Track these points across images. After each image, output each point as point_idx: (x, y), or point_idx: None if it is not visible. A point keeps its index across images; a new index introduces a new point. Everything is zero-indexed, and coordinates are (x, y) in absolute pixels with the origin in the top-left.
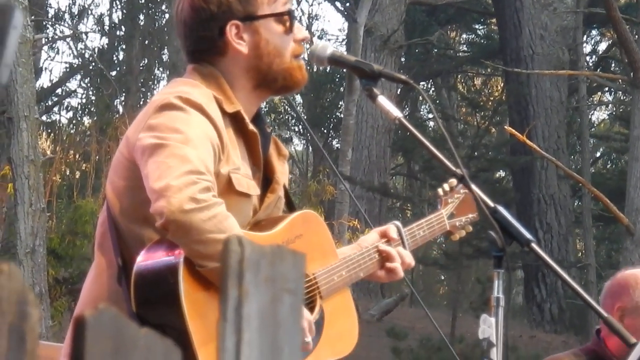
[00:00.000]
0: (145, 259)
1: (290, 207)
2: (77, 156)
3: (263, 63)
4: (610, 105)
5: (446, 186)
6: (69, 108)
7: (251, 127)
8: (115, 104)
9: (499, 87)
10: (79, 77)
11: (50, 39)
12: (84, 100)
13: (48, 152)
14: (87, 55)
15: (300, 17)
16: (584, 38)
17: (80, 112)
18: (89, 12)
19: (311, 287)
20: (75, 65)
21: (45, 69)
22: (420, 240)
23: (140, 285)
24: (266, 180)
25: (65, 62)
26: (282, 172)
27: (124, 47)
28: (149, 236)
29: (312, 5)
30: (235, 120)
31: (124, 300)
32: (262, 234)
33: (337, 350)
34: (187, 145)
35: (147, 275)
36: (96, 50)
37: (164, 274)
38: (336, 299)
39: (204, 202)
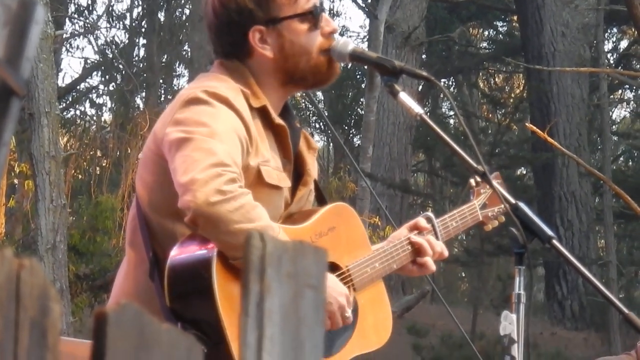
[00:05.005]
0: (178, 254)
1: (321, 200)
2: (97, 152)
3: (290, 64)
4: (631, 102)
5: (478, 177)
6: (89, 104)
7: (278, 120)
8: (135, 99)
9: (520, 85)
10: (99, 73)
11: (70, 34)
12: (104, 97)
13: (68, 148)
14: (107, 52)
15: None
16: (605, 35)
17: (100, 108)
18: (110, 8)
19: (345, 280)
20: (96, 62)
21: (66, 65)
22: (453, 231)
23: (174, 279)
24: (297, 174)
25: (87, 59)
26: (313, 166)
27: (144, 43)
28: (181, 231)
29: (333, 2)
30: (262, 114)
31: (157, 296)
32: (295, 227)
33: (371, 343)
34: (212, 139)
35: (180, 269)
36: (116, 46)
37: (197, 268)
38: (370, 291)
39: (230, 193)
